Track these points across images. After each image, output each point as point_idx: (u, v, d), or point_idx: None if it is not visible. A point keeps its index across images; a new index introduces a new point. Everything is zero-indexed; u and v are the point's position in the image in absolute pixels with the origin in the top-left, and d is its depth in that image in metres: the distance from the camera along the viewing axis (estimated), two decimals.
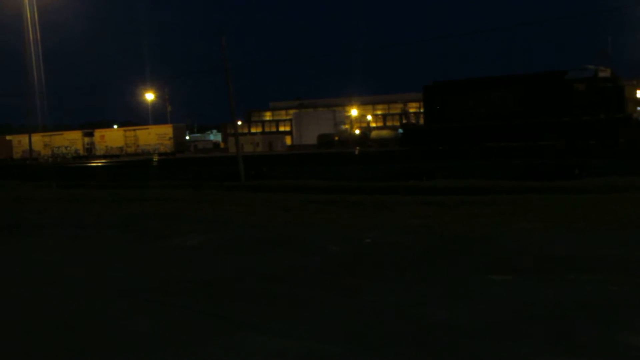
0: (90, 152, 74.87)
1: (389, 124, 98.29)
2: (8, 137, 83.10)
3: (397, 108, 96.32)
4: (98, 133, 76.67)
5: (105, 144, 74.48)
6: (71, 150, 75.81)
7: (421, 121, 44.44)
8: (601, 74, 33.32)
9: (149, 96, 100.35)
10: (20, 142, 78.21)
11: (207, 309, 5.37)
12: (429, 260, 7.05)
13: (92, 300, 5.85)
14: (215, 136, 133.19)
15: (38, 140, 75.35)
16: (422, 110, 42.11)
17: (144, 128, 75.47)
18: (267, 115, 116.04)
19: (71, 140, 76.56)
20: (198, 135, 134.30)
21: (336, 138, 78.31)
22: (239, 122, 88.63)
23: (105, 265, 7.54)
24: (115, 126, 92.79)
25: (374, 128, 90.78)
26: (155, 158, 59.71)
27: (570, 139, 32.00)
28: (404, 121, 46.56)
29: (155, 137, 70.80)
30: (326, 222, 10.36)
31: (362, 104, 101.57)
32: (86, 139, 75.85)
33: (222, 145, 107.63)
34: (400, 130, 42.44)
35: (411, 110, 62.96)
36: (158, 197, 15.76)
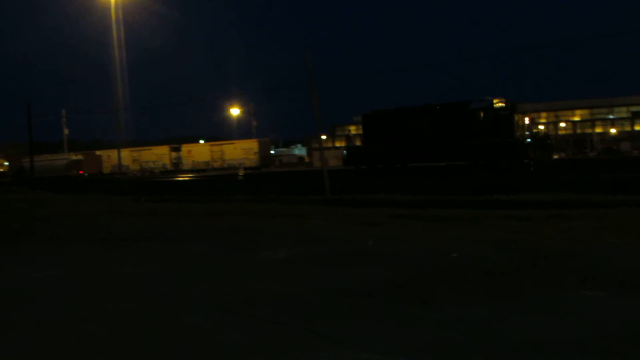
0: (177, 167, 76.98)
1: None
2: (98, 153, 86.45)
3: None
4: (185, 148, 78.78)
5: (192, 158, 76.45)
6: (159, 164, 78.17)
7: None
8: (497, 104, 40.18)
9: (235, 111, 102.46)
10: (109, 157, 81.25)
11: (297, 323, 5.45)
12: (516, 276, 6.99)
13: (181, 312, 6.05)
14: (300, 150, 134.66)
15: (127, 155, 78.09)
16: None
17: (230, 143, 77.12)
18: (351, 130, 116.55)
19: (159, 155, 78.97)
20: (283, 149, 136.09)
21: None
22: (324, 137, 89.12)
23: (194, 278, 7.78)
24: (201, 141, 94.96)
25: None
26: (241, 172, 60.83)
27: (473, 159, 38.91)
28: (348, 143, 53.94)
29: (240, 151, 72.22)
30: (411, 236, 10.38)
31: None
32: (173, 154, 78.10)
33: (306, 159, 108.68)
34: (344, 152, 49.29)
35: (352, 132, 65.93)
36: (244, 211, 16.10)
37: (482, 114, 39.67)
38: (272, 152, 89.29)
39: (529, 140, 39.23)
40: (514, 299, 5.96)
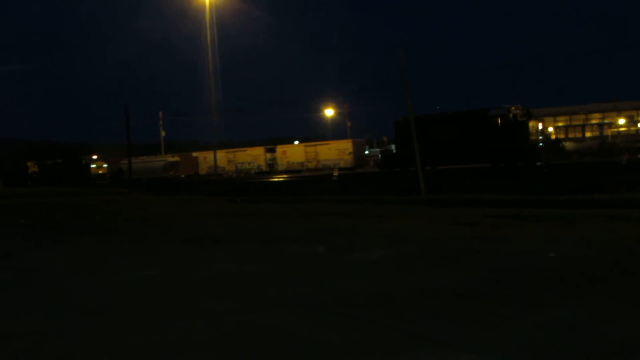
0: (272, 168, 78.01)
1: (570, 135, 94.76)
2: (194, 154, 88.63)
3: (579, 119, 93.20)
4: (280, 149, 79.75)
5: (287, 159, 77.32)
6: (254, 165, 79.44)
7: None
8: (514, 111, 42.92)
9: (329, 112, 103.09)
10: (205, 159, 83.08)
11: (393, 324, 5.53)
12: (615, 276, 6.89)
13: (279, 312, 6.21)
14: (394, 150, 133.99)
15: (222, 157, 79.77)
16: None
17: (324, 143, 77.61)
18: None
19: (254, 156, 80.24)
20: (377, 149, 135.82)
21: (569, 148, 76.29)
22: None
23: (290, 277, 7.98)
24: (296, 142, 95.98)
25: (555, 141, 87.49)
26: (336, 173, 61.17)
27: (492, 162, 42.34)
28: (383, 148, 57.89)
29: (335, 152, 72.58)
30: (507, 236, 10.32)
31: (541, 115, 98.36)
32: (268, 155, 79.16)
33: None
34: (379, 156, 53.48)
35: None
36: (338, 212, 16.31)
37: (499, 121, 43.03)
38: (366, 152, 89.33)
39: (541, 144, 42.07)
40: (613, 300, 5.88)
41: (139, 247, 12.01)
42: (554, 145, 44.62)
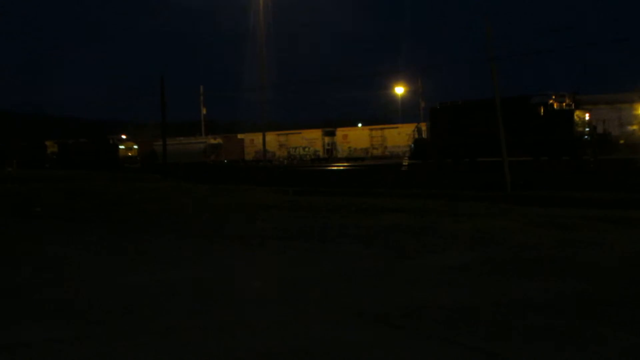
0: (331, 154, 77.88)
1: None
2: (240, 136, 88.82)
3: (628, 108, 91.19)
4: (340, 132, 79.51)
5: (348, 144, 77.11)
6: (310, 151, 79.39)
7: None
8: (558, 99, 43.87)
9: (399, 90, 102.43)
10: (252, 142, 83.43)
11: (471, 342, 5.53)
12: None
13: (331, 325, 6.26)
14: None
15: (273, 140, 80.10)
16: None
17: (393, 127, 77.32)
18: None
19: (310, 140, 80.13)
20: None
21: (621, 141, 74.61)
22: None
23: (350, 285, 8.05)
24: (359, 124, 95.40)
25: None
26: (406, 162, 60.94)
27: (534, 155, 42.92)
28: (416, 136, 56.86)
29: (405, 137, 72.14)
30: (608, 241, 10.24)
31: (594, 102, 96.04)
32: (327, 139, 78.89)
33: None
34: (412, 145, 54.01)
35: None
36: (407, 208, 16.29)
37: (542, 109, 43.69)
38: None
39: (586, 137, 42.99)
40: None
41: (175, 243, 12.25)
42: (603, 139, 44.91)
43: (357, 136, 77.64)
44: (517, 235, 11.33)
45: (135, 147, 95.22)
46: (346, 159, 74.53)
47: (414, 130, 58.92)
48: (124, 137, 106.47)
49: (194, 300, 7.32)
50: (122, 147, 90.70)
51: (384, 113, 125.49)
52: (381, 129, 77.45)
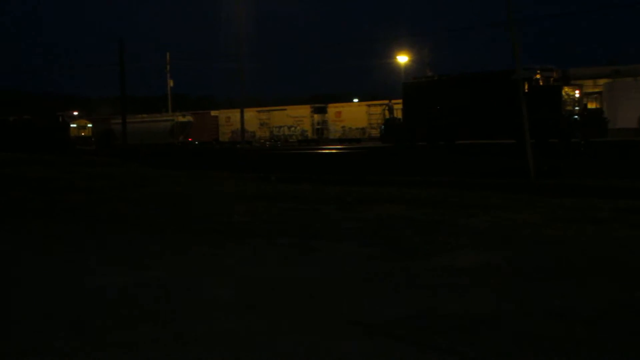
0: (321, 134, 77.62)
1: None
2: (213, 113, 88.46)
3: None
4: (333, 109, 79.26)
5: (342, 123, 76.93)
6: (296, 131, 79.19)
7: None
8: (544, 74, 45.35)
9: (402, 59, 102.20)
10: (228, 120, 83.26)
11: (485, 358, 5.51)
12: None
13: (321, 336, 6.23)
14: None
15: (252, 118, 79.92)
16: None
17: (395, 103, 77.32)
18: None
19: (296, 118, 79.86)
20: None
21: None
22: None
23: (338, 290, 8.00)
24: (355, 100, 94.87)
25: None
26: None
27: (517, 138, 41.44)
28: (387, 116, 60.04)
29: None
30: None
31: (582, 76, 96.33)
32: (316, 117, 78.54)
33: None
34: (382, 126, 56.94)
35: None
36: (411, 198, 16.23)
37: (526, 86, 43.59)
38: None
39: (576, 117, 44.16)
40: None
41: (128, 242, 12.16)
42: (594, 118, 45.73)
43: (352, 113, 77.52)
44: (542, 231, 11.27)
45: (89, 125, 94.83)
46: (339, 141, 74.55)
47: (384, 109, 60.28)
48: (75, 113, 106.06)
49: (149, 310, 7.22)
50: (73, 125, 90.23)
51: (384, 86, 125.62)
52: (381, 104, 77.27)
